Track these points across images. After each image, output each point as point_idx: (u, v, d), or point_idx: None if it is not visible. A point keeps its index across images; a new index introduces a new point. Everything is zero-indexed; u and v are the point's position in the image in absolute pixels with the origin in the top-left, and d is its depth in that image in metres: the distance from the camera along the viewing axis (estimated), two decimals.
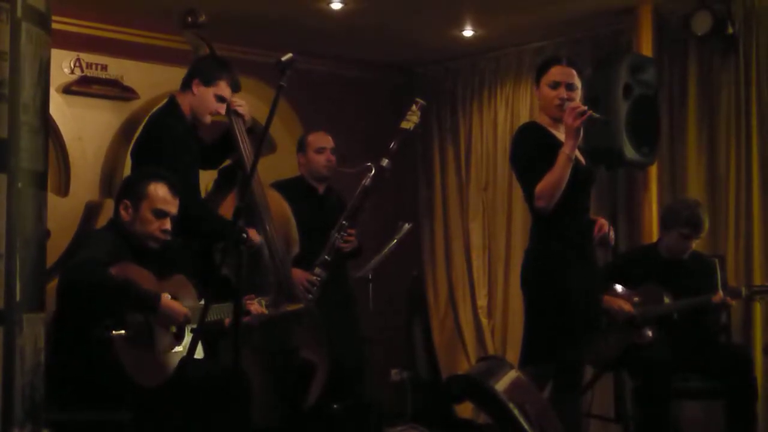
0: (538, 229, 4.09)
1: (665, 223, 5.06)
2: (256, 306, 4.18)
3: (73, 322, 3.65)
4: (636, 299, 4.99)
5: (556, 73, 4.06)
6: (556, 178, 3.89)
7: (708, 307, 4.87)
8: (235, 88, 4.56)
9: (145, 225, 3.87)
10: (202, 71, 4.44)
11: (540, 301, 4.03)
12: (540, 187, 3.92)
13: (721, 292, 4.84)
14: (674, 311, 4.94)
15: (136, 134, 4.76)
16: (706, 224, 4.99)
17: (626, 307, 4.93)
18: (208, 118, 4.48)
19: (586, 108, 3.91)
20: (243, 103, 4.61)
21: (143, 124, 4.67)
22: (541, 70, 4.12)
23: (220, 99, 4.45)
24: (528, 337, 4.09)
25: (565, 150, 3.90)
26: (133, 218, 3.88)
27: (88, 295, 3.58)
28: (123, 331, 3.59)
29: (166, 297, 3.71)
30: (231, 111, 4.56)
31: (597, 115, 3.96)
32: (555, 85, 4.04)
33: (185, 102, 4.43)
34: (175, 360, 3.76)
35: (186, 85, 4.45)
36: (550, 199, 3.91)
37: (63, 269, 3.86)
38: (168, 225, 3.91)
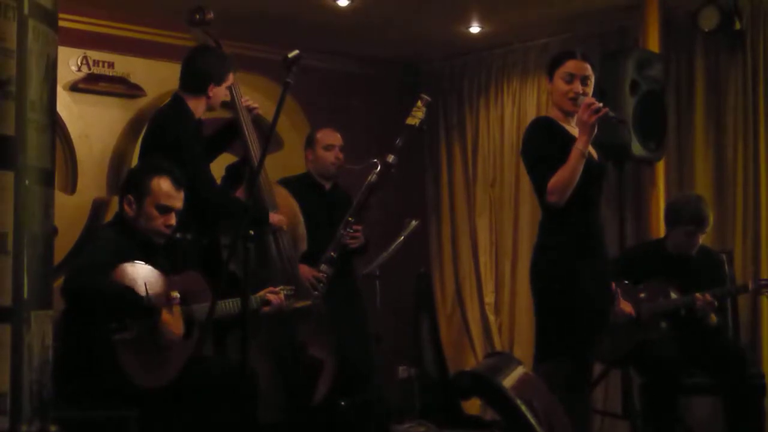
0: (547, 224, 4.06)
1: (669, 221, 5.05)
2: (275, 296, 4.17)
3: (78, 323, 3.65)
4: (641, 295, 4.99)
5: (571, 66, 4.03)
6: (569, 173, 3.88)
7: (693, 307, 4.85)
8: (234, 69, 4.63)
9: (149, 221, 3.86)
10: (217, 75, 4.45)
11: (550, 296, 4.00)
12: (553, 182, 3.90)
13: (708, 294, 4.80)
14: (665, 310, 4.93)
15: (143, 133, 4.75)
16: (711, 218, 4.97)
17: (627, 309, 4.91)
18: (219, 106, 4.59)
19: (601, 105, 3.89)
20: (251, 100, 4.67)
21: (149, 123, 4.66)
22: (556, 63, 4.08)
23: (228, 87, 4.53)
24: (541, 334, 4.06)
25: (578, 146, 3.88)
26: (137, 214, 3.86)
27: (88, 301, 3.58)
28: (127, 333, 3.58)
29: (165, 315, 3.69)
30: (241, 106, 4.59)
31: (613, 114, 3.95)
32: (570, 79, 4.01)
33: (199, 104, 4.44)
34: (181, 358, 3.76)
35: (199, 89, 4.43)
36: (562, 194, 3.90)
37: (66, 271, 3.85)
38: (173, 220, 3.89)
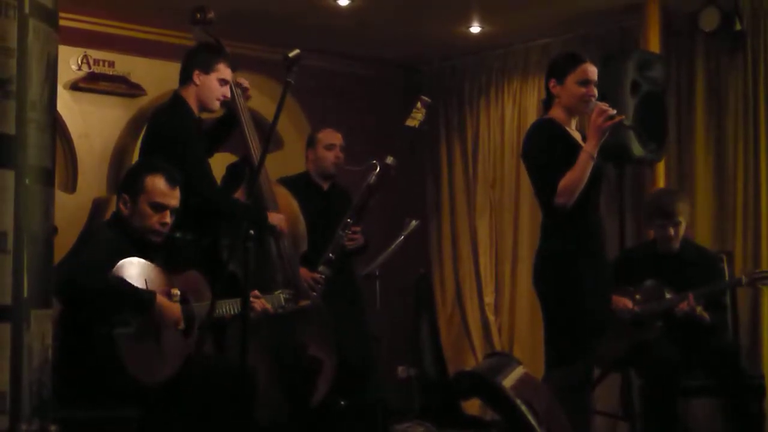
0: (549, 227, 4.07)
1: (645, 220, 5.08)
2: (260, 303, 4.16)
3: (77, 321, 3.64)
4: (637, 296, 4.98)
5: (586, 71, 4.08)
6: (578, 176, 3.90)
7: (674, 310, 4.82)
8: (234, 67, 4.57)
9: (143, 219, 3.84)
10: (200, 60, 4.43)
11: (557, 302, 4.01)
12: (562, 184, 3.92)
13: (690, 300, 4.76)
14: (660, 310, 4.91)
15: (143, 132, 4.74)
16: (680, 209, 4.90)
17: (630, 305, 4.91)
18: (216, 104, 4.47)
19: (615, 111, 3.92)
20: (245, 81, 4.65)
21: (148, 122, 4.66)
22: (568, 66, 4.11)
23: (224, 82, 4.45)
24: (552, 339, 4.06)
25: (587, 149, 3.92)
26: (132, 212, 3.85)
27: (84, 299, 3.58)
28: (127, 329, 3.58)
29: (161, 297, 3.70)
30: (234, 84, 4.56)
31: (627, 123, 3.99)
32: (585, 83, 4.06)
33: (191, 95, 4.42)
34: (181, 354, 3.76)
35: (187, 78, 4.43)
36: (571, 196, 3.92)
37: (60, 270, 3.85)
38: (167, 218, 3.87)
